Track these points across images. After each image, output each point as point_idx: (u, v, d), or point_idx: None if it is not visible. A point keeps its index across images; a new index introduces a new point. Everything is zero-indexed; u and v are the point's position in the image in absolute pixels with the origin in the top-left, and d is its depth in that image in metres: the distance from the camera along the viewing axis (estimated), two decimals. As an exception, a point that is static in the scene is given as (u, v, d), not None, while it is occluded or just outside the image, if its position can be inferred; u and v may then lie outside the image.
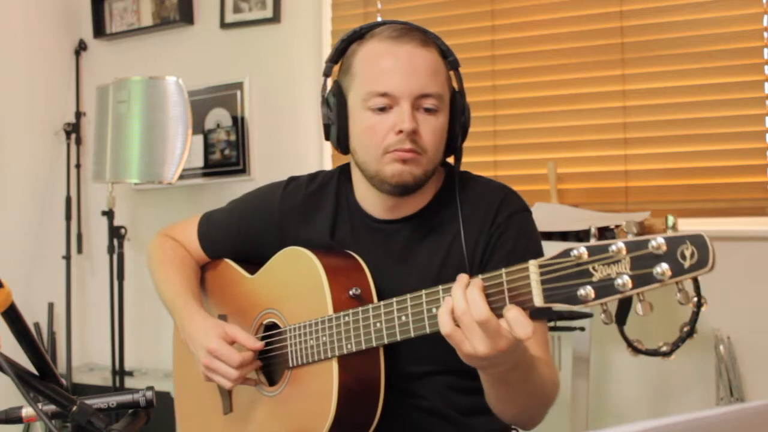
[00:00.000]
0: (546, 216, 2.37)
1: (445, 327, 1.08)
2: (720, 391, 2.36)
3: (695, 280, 2.14)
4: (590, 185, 2.68)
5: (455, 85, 1.43)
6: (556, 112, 2.72)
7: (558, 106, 2.72)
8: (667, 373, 2.51)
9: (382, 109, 1.34)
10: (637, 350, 2.26)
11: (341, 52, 1.43)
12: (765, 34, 2.46)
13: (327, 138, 1.45)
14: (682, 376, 2.50)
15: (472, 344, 1.06)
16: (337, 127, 1.41)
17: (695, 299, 2.16)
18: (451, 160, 1.46)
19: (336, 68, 1.46)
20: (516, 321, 1.03)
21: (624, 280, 0.93)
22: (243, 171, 3.15)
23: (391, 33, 1.36)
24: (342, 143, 1.42)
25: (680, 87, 2.55)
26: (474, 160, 2.79)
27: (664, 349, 2.23)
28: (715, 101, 2.51)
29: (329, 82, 1.45)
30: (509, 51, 2.80)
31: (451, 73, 1.42)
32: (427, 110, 1.35)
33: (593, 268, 0.95)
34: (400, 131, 1.32)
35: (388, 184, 1.36)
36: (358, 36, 1.41)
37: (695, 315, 2.17)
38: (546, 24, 2.74)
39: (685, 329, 2.20)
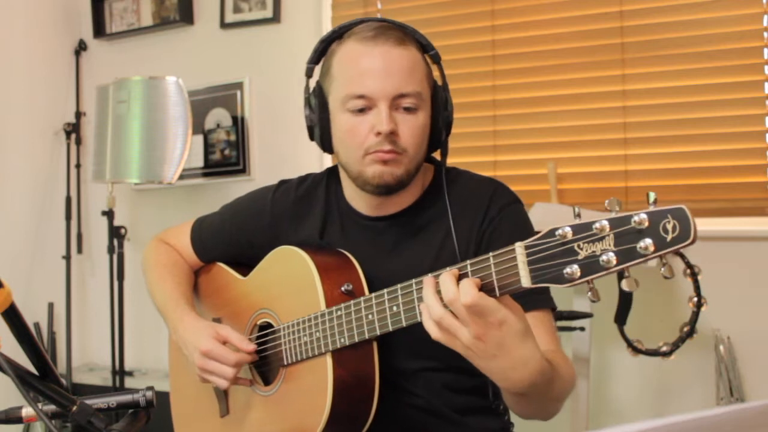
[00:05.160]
0: (546, 216, 2.37)
1: (433, 332, 1.08)
2: (720, 391, 2.36)
3: (695, 280, 2.16)
4: (590, 185, 2.68)
5: (438, 79, 1.43)
6: (556, 112, 2.72)
7: (558, 106, 2.72)
8: (667, 373, 2.51)
9: (361, 110, 1.35)
10: (637, 350, 2.26)
11: (321, 53, 1.44)
12: (765, 34, 2.46)
13: (311, 138, 1.46)
14: (682, 376, 2.50)
15: (460, 339, 1.05)
16: (319, 128, 1.42)
17: (695, 299, 2.17)
18: (438, 155, 1.47)
19: (318, 69, 1.46)
20: (461, 290, 1.02)
21: (609, 257, 0.93)
22: (243, 171, 3.15)
23: (367, 33, 1.36)
24: (326, 144, 1.43)
25: (680, 87, 2.55)
26: (474, 160, 2.80)
27: (664, 349, 2.23)
28: (715, 101, 2.51)
29: (311, 82, 1.46)
30: (509, 51, 2.80)
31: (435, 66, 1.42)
32: (407, 109, 1.35)
33: (578, 246, 0.96)
34: (379, 133, 1.33)
35: (371, 185, 1.38)
36: (337, 36, 1.41)
37: (695, 315, 2.17)
38: (546, 24, 2.74)
39: (685, 329, 2.20)
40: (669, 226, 0.90)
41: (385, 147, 1.33)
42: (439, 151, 1.46)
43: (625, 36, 2.62)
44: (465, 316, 1.03)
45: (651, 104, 2.59)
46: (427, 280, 1.09)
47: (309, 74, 1.46)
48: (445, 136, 1.43)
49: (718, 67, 2.50)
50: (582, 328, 2.36)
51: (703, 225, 2.51)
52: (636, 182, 2.61)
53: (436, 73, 1.43)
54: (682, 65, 2.54)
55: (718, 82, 2.50)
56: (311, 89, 1.45)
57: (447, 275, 1.06)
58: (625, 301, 2.26)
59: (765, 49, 2.46)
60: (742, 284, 2.42)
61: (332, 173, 1.55)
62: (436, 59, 1.41)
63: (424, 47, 1.41)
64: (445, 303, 1.05)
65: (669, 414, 0.66)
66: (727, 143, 2.49)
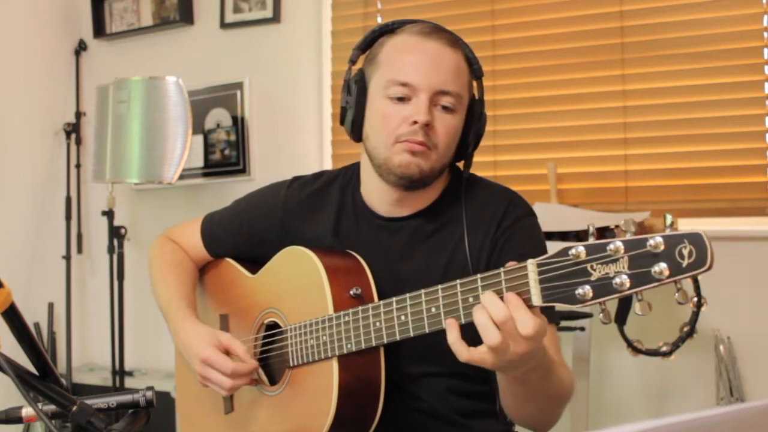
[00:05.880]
0: (546, 216, 2.36)
1: (462, 355, 1.08)
2: (720, 391, 2.36)
3: (695, 280, 2.16)
4: (590, 185, 2.68)
5: (476, 93, 1.44)
6: (556, 112, 2.72)
7: (558, 106, 2.71)
8: (667, 373, 2.51)
9: (401, 99, 1.35)
10: (637, 350, 2.25)
11: (370, 42, 1.45)
12: (765, 34, 2.46)
13: (341, 122, 1.46)
14: (682, 376, 2.50)
15: (507, 356, 1.06)
16: (353, 112, 1.42)
17: (695, 299, 2.16)
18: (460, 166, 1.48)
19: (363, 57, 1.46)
20: (519, 320, 1.03)
21: (622, 280, 0.92)
22: (243, 171, 3.15)
23: (422, 29, 1.39)
24: (355, 129, 1.43)
25: (680, 87, 2.55)
26: (474, 160, 2.78)
27: (664, 349, 2.23)
28: (715, 101, 2.50)
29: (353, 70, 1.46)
30: (509, 51, 2.80)
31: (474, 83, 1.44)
32: (444, 108, 1.36)
33: (591, 267, 0.95)
34: (415, 122, 1.33)
35: (394, 175, 1.37)
36: (389, 30, 1.42)
37: (695, 315, 2.17)
38: (546, 24, 2.74)
39: (685, 329, 2.20)
40: (685, 252, 0.89)
41: (417, 137, 1.34)
42: (461, 161, 1.46)
43: (625, 36, 2.62)
44: (516, 334, 1.04)
45: (651, 104, 2.59)
46: (478, 308, 1.06)
47: (354, 60, 1.46)
48: (472, 148, 1.44)
49: (718, 67, 2.50)
50: (582, 328, 2.36)
51: (703, 225, 2.51)
52: (636, 182, 2.61)
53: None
54: (682, 65, 2.54)
55: (718, 82, 2.50)
56: (353, 74, 1.44)
57: (489, 295, 1.05)
58: (625, 302, 2.26)
59: (765, 49, 2.46)
60: (742, 284, 2.42)
61: (348, 171, 1.54)
62: (478, 75, 1.43)
63: (470, 60, 1.43)
64: (496, 323, 1.04)
65: (669, 414, 0.67)
66: (727, 143, 2.49)
